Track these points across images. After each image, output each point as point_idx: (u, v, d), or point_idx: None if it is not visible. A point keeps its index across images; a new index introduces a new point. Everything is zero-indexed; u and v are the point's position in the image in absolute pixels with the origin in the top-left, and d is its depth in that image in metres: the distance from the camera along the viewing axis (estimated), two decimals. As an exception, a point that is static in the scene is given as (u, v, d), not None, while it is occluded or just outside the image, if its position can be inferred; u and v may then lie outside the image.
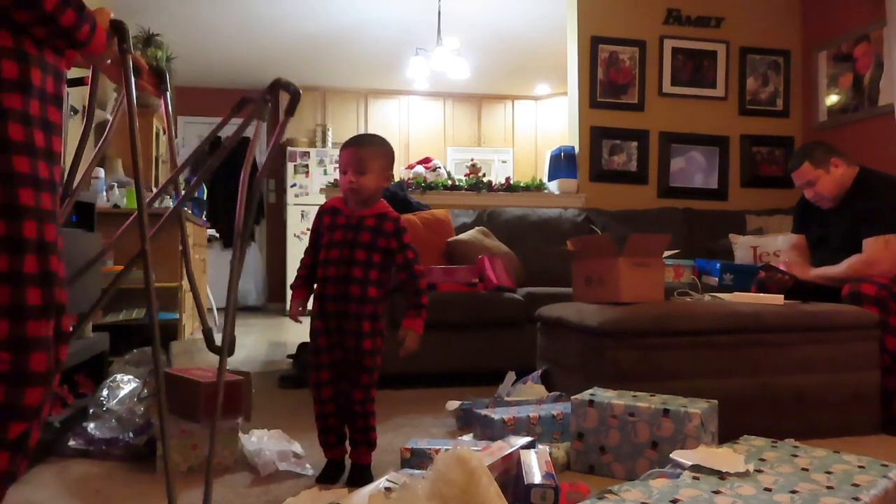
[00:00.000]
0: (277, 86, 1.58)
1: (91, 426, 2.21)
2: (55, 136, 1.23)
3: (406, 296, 1.99)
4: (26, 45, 1.16)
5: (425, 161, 5.00)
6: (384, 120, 8.37)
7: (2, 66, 1.13)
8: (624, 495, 1.43)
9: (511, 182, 4.70)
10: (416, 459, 1.98)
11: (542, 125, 8.66)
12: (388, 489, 1.60)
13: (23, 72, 1.15)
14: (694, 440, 1.86)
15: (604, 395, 2.09)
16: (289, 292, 8.01)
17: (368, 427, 1.95)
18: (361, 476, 1.94)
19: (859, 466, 1.66)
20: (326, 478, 1.96)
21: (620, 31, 4.78)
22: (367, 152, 1.96)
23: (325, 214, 2.03)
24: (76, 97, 4.26)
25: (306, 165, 7.79)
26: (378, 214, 1.98)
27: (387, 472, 1.84)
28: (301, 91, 1.60)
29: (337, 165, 7.84)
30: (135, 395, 2.35)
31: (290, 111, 1.60)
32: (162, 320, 3.90)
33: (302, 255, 2.10)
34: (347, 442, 2.01)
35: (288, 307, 7.53)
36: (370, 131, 8.28)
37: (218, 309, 6.13)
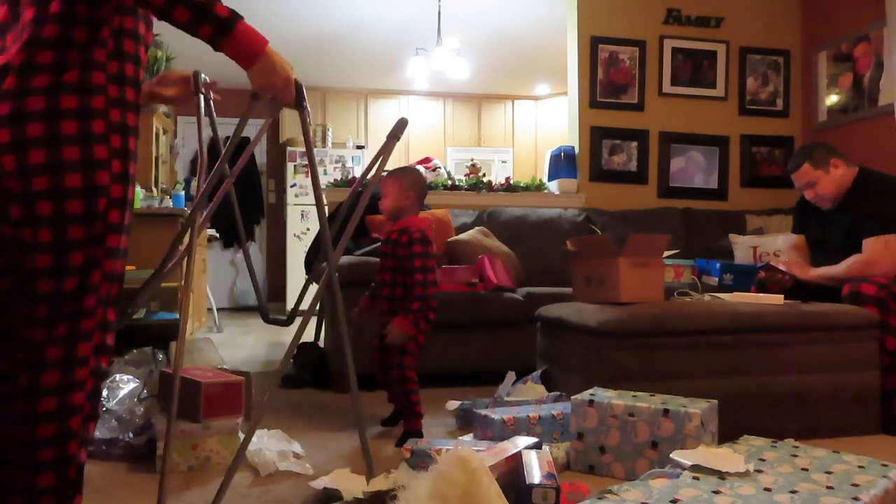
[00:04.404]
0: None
1: (91, 426, 2.20)
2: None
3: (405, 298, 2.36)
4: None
5: (425, 161, 4.99)
6: (384, 120, 8.36)
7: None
8: (624, 495, 1.43)
9: (511, 182, 4.69)
10: (417, 459, 1.98)
11: (542, 125, 8.65)
12: (388, 472, 1.68)
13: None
14: (694, 440, 1.86)
15: (604, 395, 2.09)
16: (289, 292, 8.02)
17: (410, 398, 2.32)
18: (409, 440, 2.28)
19: (859, 466, 1.66)
20: (387, 421, 2.52)
21: (620, 31, 4.78)
22: (387, 181, 2.37)
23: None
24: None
25: (306, 165, 7.78)
26: (401, 229, 2.36)
27: (387, 471, 1.84)
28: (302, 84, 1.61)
29: (337, 166, 7.90)
30: (135, 395, 2.35)
31: (300, 105, 1.61)
32: (162, 320, 3.90)
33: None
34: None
35: (288, 307, 7.61)
36: (370, 131, 8.31)
37: (218, 309, 6.12)
